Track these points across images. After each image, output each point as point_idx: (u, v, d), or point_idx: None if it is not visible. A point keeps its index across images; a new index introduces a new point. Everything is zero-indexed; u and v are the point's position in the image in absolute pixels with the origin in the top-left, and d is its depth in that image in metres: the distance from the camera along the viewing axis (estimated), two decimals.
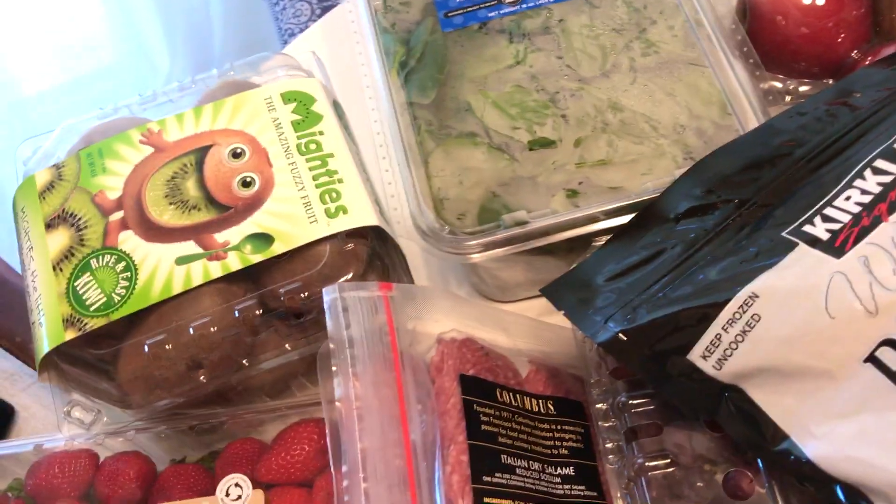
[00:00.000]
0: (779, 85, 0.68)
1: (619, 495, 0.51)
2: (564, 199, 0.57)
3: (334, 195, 0.56)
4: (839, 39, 0.66)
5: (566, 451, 0.55)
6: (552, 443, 0.55)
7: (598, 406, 0.53)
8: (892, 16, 0.67)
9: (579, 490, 0.53)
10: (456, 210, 0.58)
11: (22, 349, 0.75)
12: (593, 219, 0.55)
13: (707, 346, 0.46)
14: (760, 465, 0.48)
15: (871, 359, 0.42)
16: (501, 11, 0.65)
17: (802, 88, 0.68)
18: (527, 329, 0.60)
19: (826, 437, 0.42)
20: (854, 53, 0.66)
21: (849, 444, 0.42)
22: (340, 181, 0.57)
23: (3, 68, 1.62)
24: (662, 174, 0.56)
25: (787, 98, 0.68)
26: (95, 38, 1.64)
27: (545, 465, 0.53)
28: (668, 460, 0.49)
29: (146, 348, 0.53)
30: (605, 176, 0.58)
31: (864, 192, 0.46)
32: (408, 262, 0.61)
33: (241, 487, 0.53)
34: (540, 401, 0.56)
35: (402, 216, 0.59)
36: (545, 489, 0.52)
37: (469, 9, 0.66)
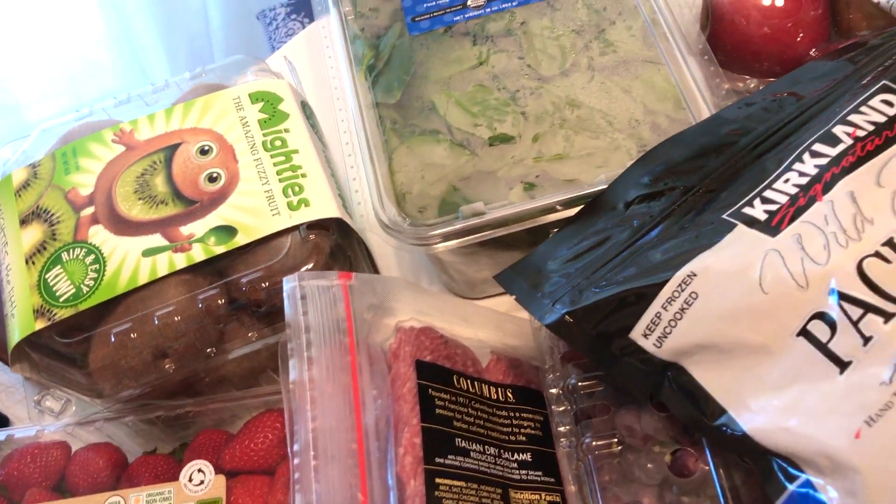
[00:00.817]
0: (741, 85, 0.70)
1: (569, 478, 0.52)
2: (522, 192, 0.59)
3: (297, 189, 0.58)
4: (798, 39, 0.68)
5: (524, 438, 0.56)
6: (510, 429, 0.56)
7: (552, 391, 0.54)
8: (849, 16, 0.68)
9: (536, 475, 0.54)
10: (418, 204, 0.60)
11: None
12: (549, 209, 0.57)
13: (648, 325, 0.47)
14: (705, 441, 0.48)
15: (804, 332, 0.43)
16: (466, 15, 0.67)
17: None
18: (489, 321, 0.61)
19: (761, 409, 0.43)
20: (812, 52, 0.67)
21: (781, 415, 0.42)
22: (304, 175, 0.58)
23: (7, 93, 1.65)
24: (617, 167, 0.57)
25: None
26: (99, 64, 1.68)
27: (502, 451, 0.54)
28: (617, 440, 0.50)
29: (112, 338, 0.55)
30: (561, 169, 0.59)
31: (801, 174, 0.48)
32: (376, 260, 0.63)
33: (203, 473, 0.54)
34: (499, 389, 0.57)
35: (368, 211, 0.60)
36: (501, 473, 0.53)
37: (435, 13, 0.68)
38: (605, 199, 0.54)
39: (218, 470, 0.55)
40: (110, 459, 0.58)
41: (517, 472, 0.54)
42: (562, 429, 0.53)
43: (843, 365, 0.41)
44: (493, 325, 0.61)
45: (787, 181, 0.48)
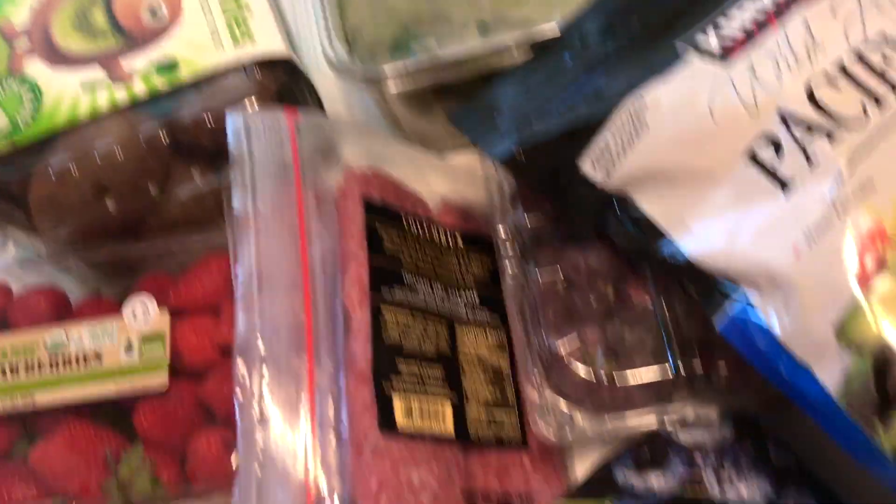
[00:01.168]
0: None
1: (515, 315, 0.52)
2: (477, 34, 0.57)
3: (241, 24, 0.56)
4: None
5: (472, 280, 0.56)
6: (459, 271, 0.55)
7: (500, 232, 0.54)
8: None
9: (483, 315, 0.54)
10: (369, 45, 0.58)
11: None
12: (504, 50, 0.55)
13: (596, 155, 0.46)
14: (649, 275, 0.49)
15: (750, 155, 0.43)
16: None
17: None
18: (440, 170, 0.60)
19: (704, 234, 0.43)
20: None
21: (723, 238, 0.43)
22: (249, 11, 0.56)
23: None
24: (574, 7, 0.56)
25: None
26: None
27: (450, 291, 0.54)
28: (563, 277, 0.51)
29: (52, 174, 0.53)
30: (519, 12, 0.57)
31: (756, 3, 0.47)
32: (325, 106, 0.61)
33: (146, 308, 0.54)
34: (448, 233, 0.57)
35: (318, 56, 0.58)
36: (448, 311, 0.53)
37: None
38: (561, 38, 0.53)
39: (162, 307, 0.54)
40: (53, 301, 0.57)
41: (465, 311, 0.54)
42: (509, 269, 0.53)
43: (786, 186, 0.41)
44: (444, 175, 0.60)
45: (741, 10, 0.47)
